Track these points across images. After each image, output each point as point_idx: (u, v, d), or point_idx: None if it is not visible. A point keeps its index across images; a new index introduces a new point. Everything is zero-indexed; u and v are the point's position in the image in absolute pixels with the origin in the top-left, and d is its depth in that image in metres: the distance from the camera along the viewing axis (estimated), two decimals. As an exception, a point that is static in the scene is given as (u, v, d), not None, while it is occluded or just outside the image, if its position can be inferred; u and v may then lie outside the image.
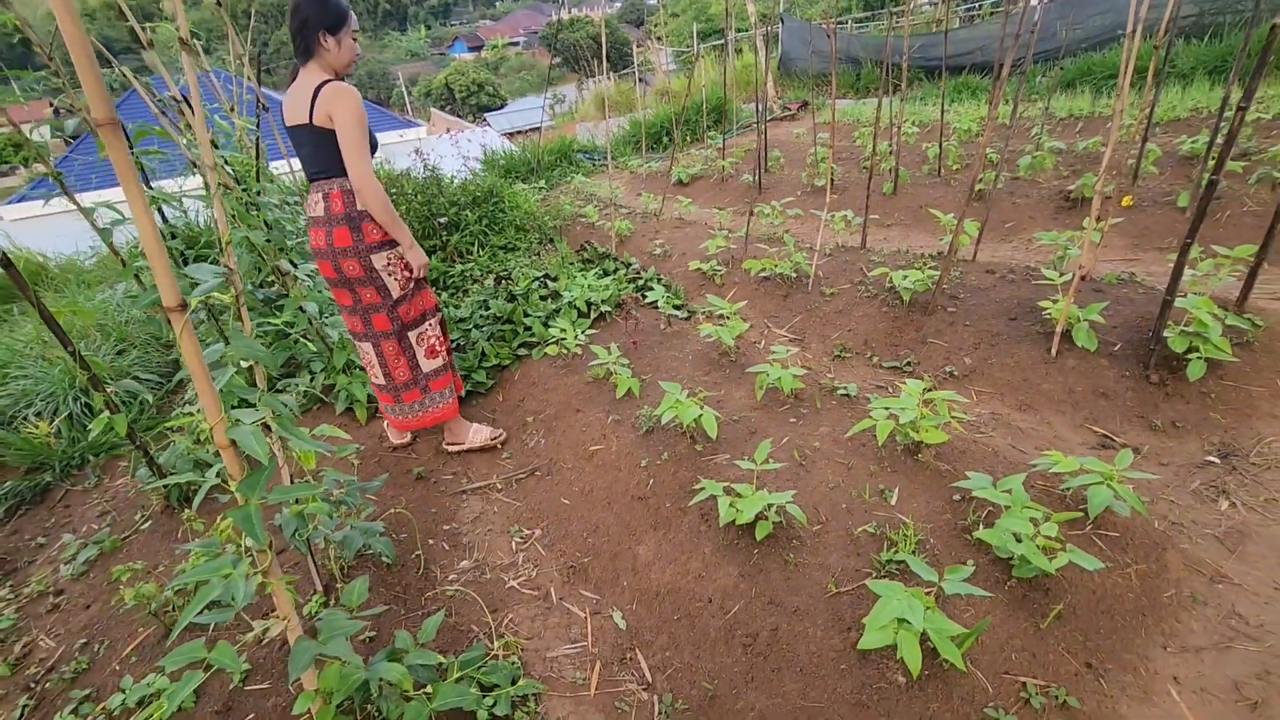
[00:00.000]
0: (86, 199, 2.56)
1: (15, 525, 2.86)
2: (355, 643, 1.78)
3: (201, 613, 1.29)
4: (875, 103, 8.67)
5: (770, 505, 1.72)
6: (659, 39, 25.84)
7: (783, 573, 1.70)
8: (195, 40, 1.65)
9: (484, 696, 1.55)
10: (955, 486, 1.76)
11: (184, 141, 2.72)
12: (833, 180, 5.51)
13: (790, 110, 10.44)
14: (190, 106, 3.03)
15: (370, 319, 2.35)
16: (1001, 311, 2.80)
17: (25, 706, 1.84)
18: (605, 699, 1.62)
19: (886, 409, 1.95)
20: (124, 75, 3.15)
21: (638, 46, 24.45)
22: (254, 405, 1.29)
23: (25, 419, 3.34)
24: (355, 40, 2.15)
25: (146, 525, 2.56)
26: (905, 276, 2.92)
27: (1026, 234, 3.96)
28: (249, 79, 3.65)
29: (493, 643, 1.77)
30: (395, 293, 2.30)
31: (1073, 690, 1.36)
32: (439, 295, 3.83)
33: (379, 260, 2.22)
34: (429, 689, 1.48)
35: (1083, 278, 2.87)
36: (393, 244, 2.23)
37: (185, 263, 3.78)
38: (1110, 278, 2.93)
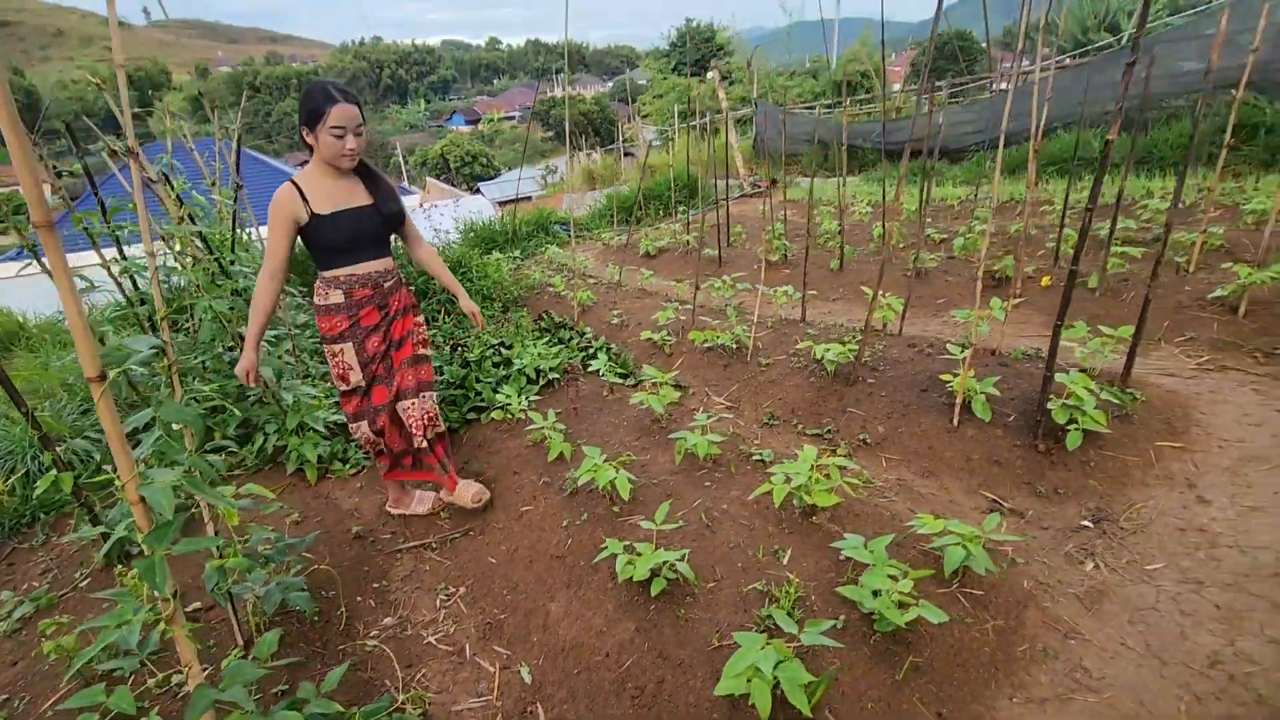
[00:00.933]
0: (75, 259, 2.75)
1: (-41, 583, 2.89)
2: (268, 695, 1.85)
3: (105, 661, 1.39)
4: (838, 182, 9.16)
5: (664, 563, 1.84)
6: (644, 117, 27.15)
7: (674, 627, 1.81)
8: (203, 106, 1.85)
9: (375, 748, 1.63)
10: (833, 547, 1.90)
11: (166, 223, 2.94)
12: (786, 256, 5.83)
13: (760, 188, 11.00)
14: (171, 184, 3.27)
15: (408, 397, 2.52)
16: (914, 384, 3.00)
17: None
18: (501, 751, 1.69)
19: (784, 474, 2.11)
20: (107, 149, 3.40)
21: (626, 123, 25.63)
22: (181, 464, 1.43)
23: (-19, 475, 3.41)
24: (339, 137, 2.09)
25: (85, 583, 2.62)
26: (828, 350, 3.12)
27: (956, 310, 4.22)
28: (231, 151, 3.88)
29: (400, 695, 1.85)
30: (428, 350, 2.54)
31: (920, 737, 1.47)
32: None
33: (326, 351, 2.37)
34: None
35: (993, 353, 3.10)
36: (333, 339, 2.32)
37: (153, 328, 3.93)
38: (1017, 353, 3.15)
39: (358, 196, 2.25)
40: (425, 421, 2.49)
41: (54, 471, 2.32)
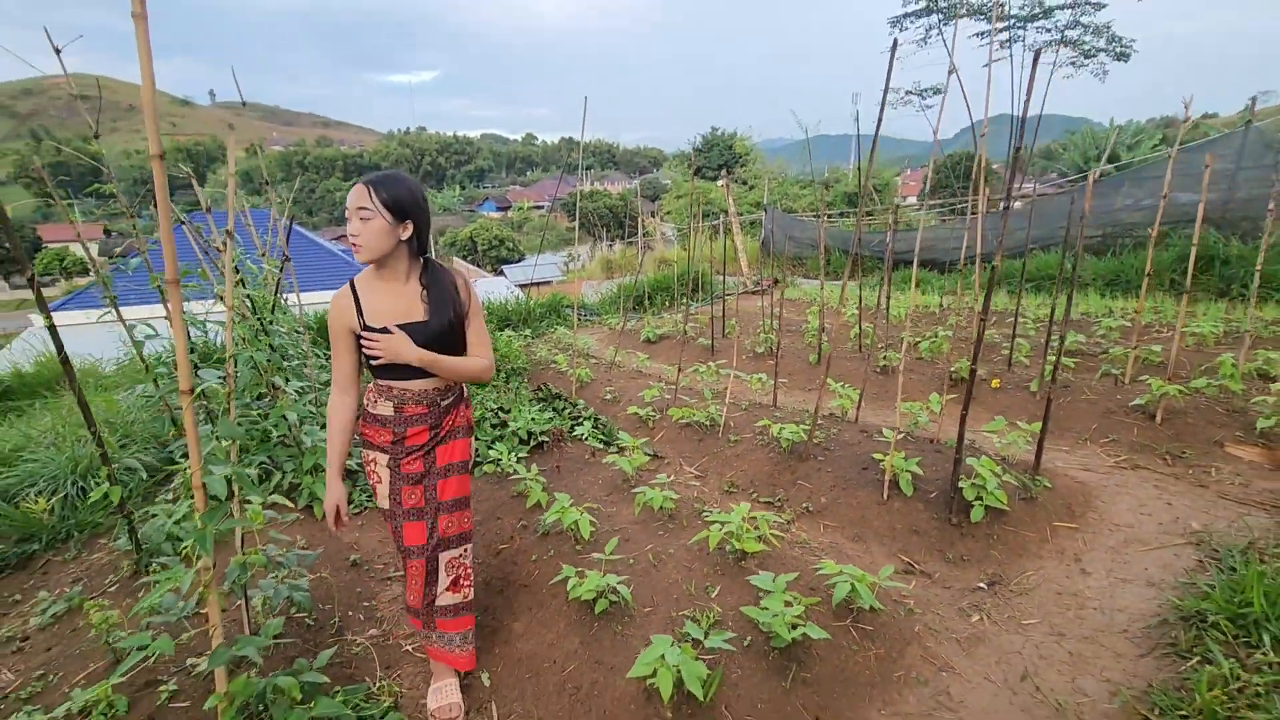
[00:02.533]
0: (125, 314, 3.29)
1: (4, 584, 3.26)
2: (267, 671, 2.18)
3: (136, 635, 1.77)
4: (836, 284, 9.79)
5: (607, 586, 2.21)
6: (666, 214, 28.69)
7: (611, 640, 2.15)
8: (253, 180, 2.38)
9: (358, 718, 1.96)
10: (749, 581, 2.25)
11: (216, 286, 3.51)
12: (772, 349, 6.32)
13: (762, 286, 11.69)
14: (224, 251, 3.87)
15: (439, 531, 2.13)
16: (857, 462, 3.39)
17: (-17, 718, 2.21)
18: (457, 738, 2.01)
19: (720, 523, 2.49)
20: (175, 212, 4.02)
21: (650, 218, 27.11)
22: (229, 465, 1.87)
23: (26, 496, 3.83)
24: (348, 220, 1.87)
25: (114, 588, 2.98)
26: (783, 429, 3.54)
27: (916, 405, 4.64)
28: (285, 219, 4.48)
29: (375, 686, 2.18)
30: (469, 488, 2.16)
31: (797, 733, 1.79)
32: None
33: (469, 442, 2.15)
34: (312, 702, 1.90)
35: (931, 440, 3.50)
36: (368, 445, 2.05)
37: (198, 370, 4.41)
38: (951, 442, 3.54)
39: (413, 309, 1.94)
40: (462, 582, 2.13)
41: (107, 484, 2.77)
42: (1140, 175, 9.09)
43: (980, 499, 2.74)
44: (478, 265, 34.22)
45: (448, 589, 2.09)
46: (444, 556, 2.09)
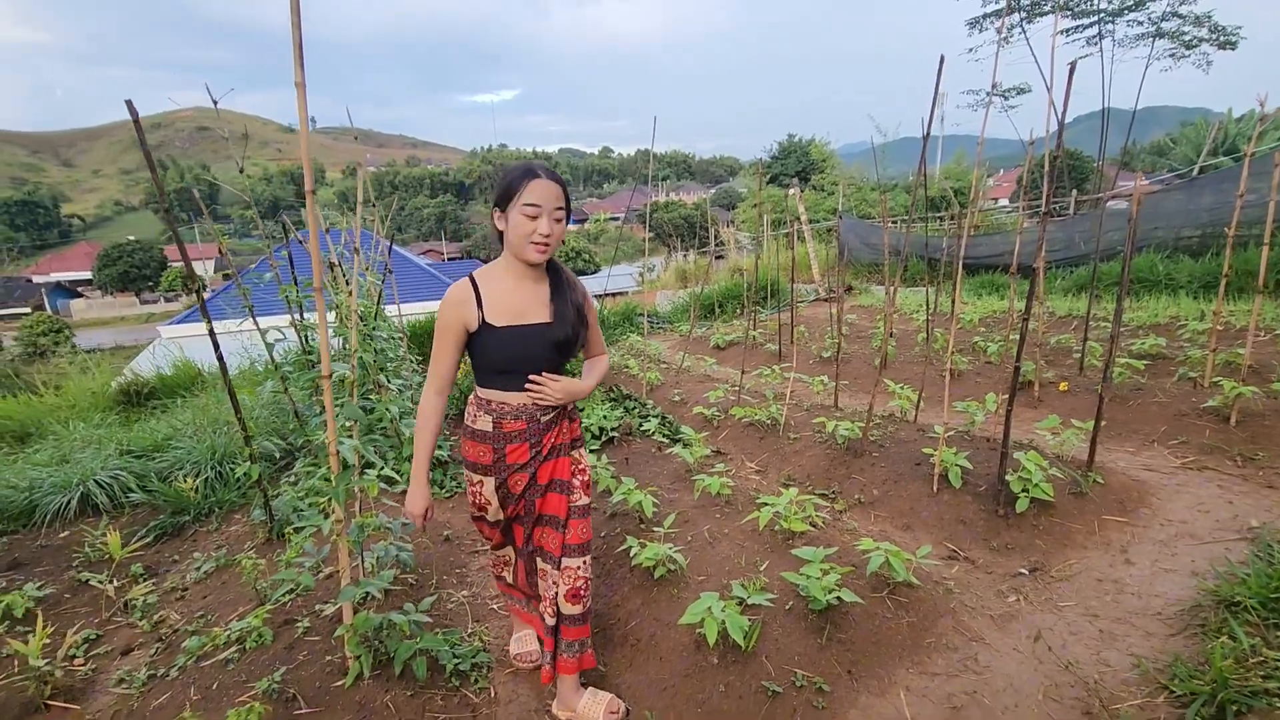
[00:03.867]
0: (229, 325, 3.88)
1: (159, 548, 3.89)
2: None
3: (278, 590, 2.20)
4: (912, 292, 9.72)
5: (665, 555, 2.50)
6: (740, 224, 28.77)
7: (669, 602, 2.44)
8: (342, 201, 2.82)
9: (453, 654, 2.33)
10: (794, 554, 2.48)
11: (337, 296, 4.05)
12: (838, 353, 6.44)
13: (835, 293, 11.68)
14: (336, 269, 4.41)
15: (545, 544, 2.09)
16: (910, 458, 3.53)
17: (158, 647, 2.73)
18: (534, 677, 2.35)
19: (769, 505, 2.73)
20: (286, 226, 4.62)
21: (725, 227, 27.29)
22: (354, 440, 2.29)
23: (176, 477, 4.49)
24: (533, 217, 1.77)
25: (253, 552, 3.52)
26: (838, 426, 3.73)
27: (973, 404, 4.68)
28: (385, 239, 5.06)
29: (467, 633, 2.55)
30: (580, 500, 2.04)
31: (829, 681, 2.02)
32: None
33: (575, 458, 2.05)
34: (418, 637, 2.28)
35: (988, 440, 3.60)
36: (473, 468, 1.98)
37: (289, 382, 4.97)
38: (1014, 443, 3.62)
39: (538, 310, 1.86)
40: (571, 594, 2.01)
41: (248, 464, 3.30)
42: (1231, 174, 8.56)
43: (1026, 491, 2.86)
44: (556, 277, 35.25)
45: (567, 598, 2.01)
46: (544, 565, 2.05)
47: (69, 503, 4.23)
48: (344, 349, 4.82)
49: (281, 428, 5.35)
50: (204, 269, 53.75)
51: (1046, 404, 4.40)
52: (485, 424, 1.92)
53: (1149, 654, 2.07)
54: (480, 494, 2.01)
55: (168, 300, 52.60)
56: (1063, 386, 4.55)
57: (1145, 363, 4.46)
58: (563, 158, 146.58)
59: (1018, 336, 5.40)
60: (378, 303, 4.95)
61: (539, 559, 2.07)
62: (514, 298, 1.85)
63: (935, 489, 3.19)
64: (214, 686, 2.29)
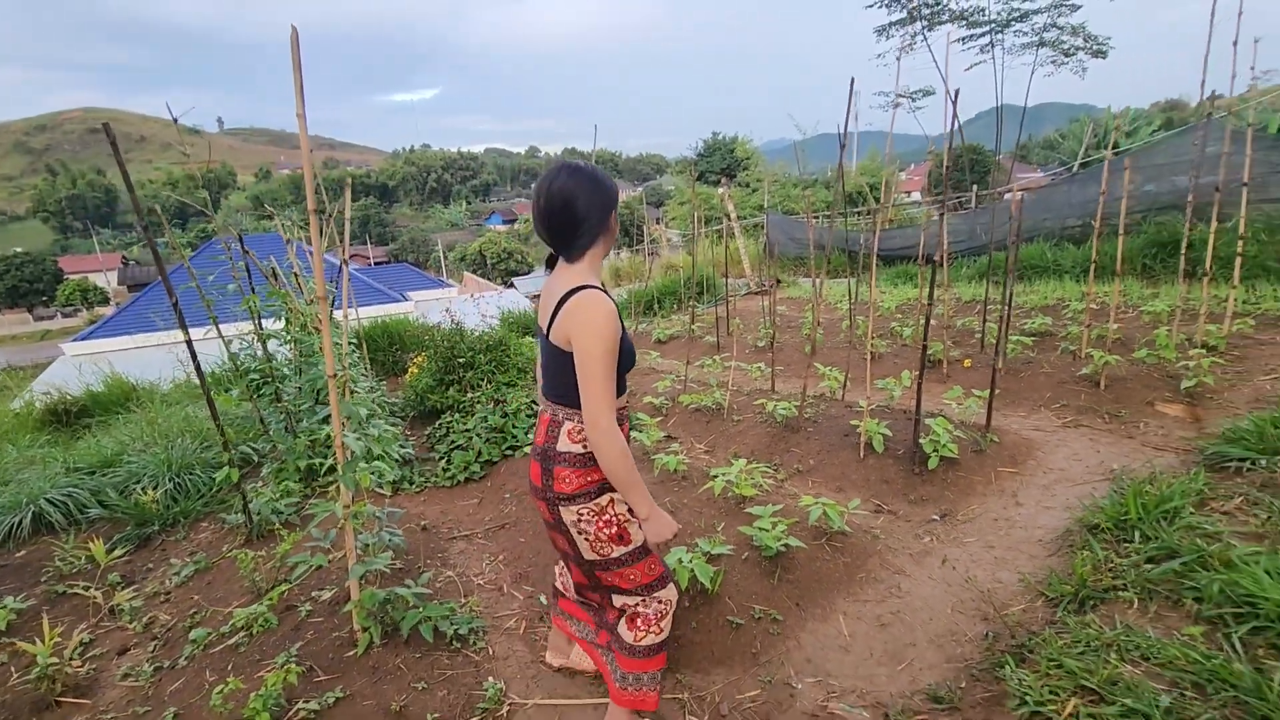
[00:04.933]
0: (155, 338, 3.96)
1: (130, 558, 3.94)
2: (376, 602, 2.83)
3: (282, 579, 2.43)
4: (835, 283, 10.41)
5: (636, 521, 2.85)
6: (669, 221, 29.38)
7: (641, 562, 2.79)
8: (266, 205, 3.03)
9: (451, 622, 2.60)
10: (748, 512, 2.88)
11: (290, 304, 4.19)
12: (772, 343, 6.96)
13: (765, 287, 12.32)
14: (278, 277, 4.55)
15: (571, 567, 2.03)
16: (840, 431, 4.01)
17: (155, 645, 2.88)
18: (527, 637, 2.65)
19: (723, 475, 3.12)
20: (240, 238, 4.68)
21: (656, 225, 27.80)
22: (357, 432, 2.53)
23: (134, 491, 4.51)
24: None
25: (231, 554, 3.65)
26: (777, 406, 4.17)
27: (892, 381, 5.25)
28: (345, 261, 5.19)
29: (459, 604, 2.83)
30: (587, 555, 1.85)
31: (781, 613, 2.42)
32: (459, 416, 5.10)
33: (567, 515, 1.79)
34: (421, 607, 2.55)
35: (905, 411, 4.11)
36: (588, 496, 1.77)
37: (259, 387, 5.03)
38: (924, 412, 4.15)
39: None
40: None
41: (227, 468, 3.45)
42: (1117, 166, 9.64)
43: (936, 452, 3.36)
44: (487, 279, 35.07)
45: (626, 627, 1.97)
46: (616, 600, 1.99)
47: (21, 522, 4.20)
48: (299, 356, 4.96)
49: (238, 437, 5.39)
50: (105, 280, 50.31)
51: (954, 378, 4.99)
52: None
53: (1032, 571, 2.57)
54: (614, 517, 1.80)
55: (65, 316, 49.02)
56: (966, 363, 5.17)
57: (1034, 339, 5.13)
58: (489, 158, 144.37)
59: (931, 321, 6.03)
60: (330, 310, 5.07)
61: None
62: None
63: (862, 455, 3.67)
64: (229, 667, 2.49)
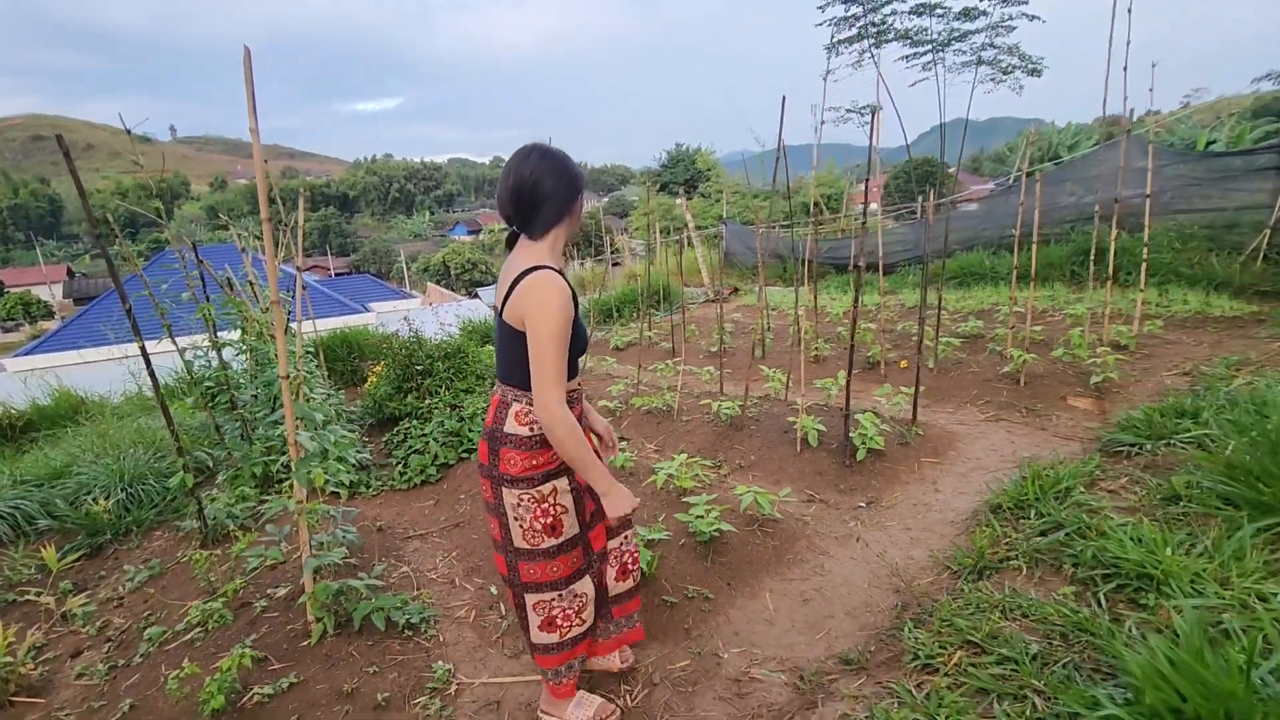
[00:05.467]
0: (101, 352, 4.01)
1: (81, 566, 3.95)
2: (331, 597, 2.94)
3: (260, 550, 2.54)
4: (790, 290, 10.74)
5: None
6: (633, 231, 29.70)
7: (585, 551, 2.95)
8: (222, 215, 3.16)
9: (403, 611, 2.73)
10: (685, 501, 3.07)
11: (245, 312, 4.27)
12: (721, 347, 7.21)
13: (723, 294, 12.63)
14: (233, 286, 4.62)
15: (496, 556, 2.00)
16: (780, 428, 4.24)
17: (109, 647, 2.94)
18: (477, 624, 2.79)
19: (665, 469, 3.31)
20: (195, 247, 4.74)
21: (620, 235, 28.08)
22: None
23: (85, 502, 4.50)
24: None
25: (186, 559, 3.70)
26: (721, 406, 4.39)
27: (830, 381, 5.53)
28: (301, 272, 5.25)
29: (412, 596, 2.95)
30: (517, 542, 1.86)
31: (714, 592, 2.62)
32: (417, 422, 5.20)
33: (509, 497, 1.81)
34: (374, 598, 2.67)
35: (840, 408, 4.36)
36: (531, 482, 1.79)
37: (214, 395, 5.04)
38: (857, 409, 4.42)
39: None
40: (629, 567, 2.13)
41: (181, 473, 3.51)
42: (1051, 178, 10.21)
43: (864, 444, 3.61)
44: (451, 289, 34.86)
45: (617, 577, 2.10)
46: (611, 544, 2.09)
47: (-35, 535, 4.17)
48: (254, 364, 5.02)
49: (194, 445, 5.39)
50: (50, 293, 48.48)
51: (890, 378, 5.28)
52: None
53: (941, 548, 2.82)
54: (552, 506, 1.83)
55: (6, 331, 47.03)
56: (903, 364, 5.47)
57: (966, 341, 5.46)
58: (453, 167, 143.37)
59: (873, 325, 6.34)
60: (286, 316, 5.14)
61: (611, 540, 2.09)
62: None
63: (799, 450, 3.90)
64: (184, 661, 2.57)
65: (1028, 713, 1.69)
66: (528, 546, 1.85)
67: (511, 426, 1.78)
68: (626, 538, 2.11)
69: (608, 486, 1.78)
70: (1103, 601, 2.06)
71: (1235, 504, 2.36)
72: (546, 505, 1.81)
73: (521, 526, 1.83)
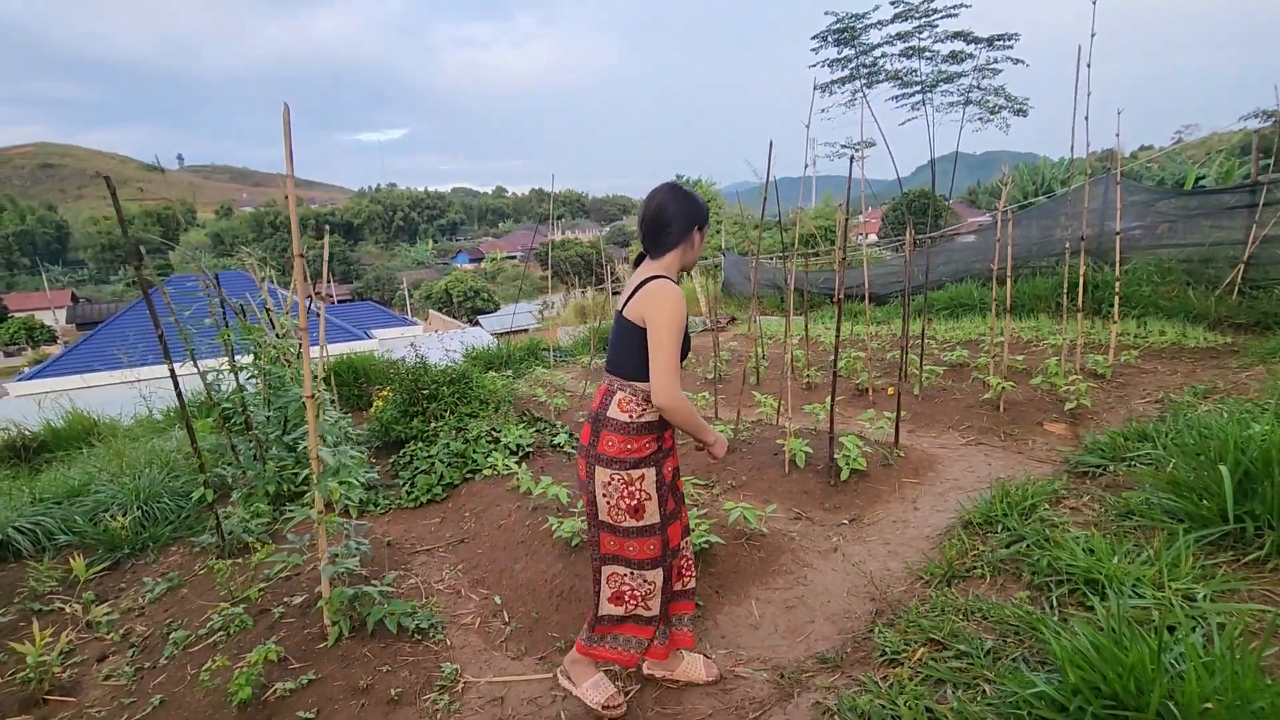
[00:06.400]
0: (103, 377, 4.24)
1: (100, 581, 4.14)
2: (344, 604, 3.13)
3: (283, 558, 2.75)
4: (786, 319, 11.01)
5: (579, 528, 3.22)
6: (633, 261, 30.09)
7: (584, 564, 3.15)
8: (227, 243, 3.40)
9: (413, 617, 2.92)
10: (678, 518, 3.27)
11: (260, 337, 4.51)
12: (719, 375, 7.45)
13: (721, 324, 12.92)
14: (246, 314, 4.87)
15: (587, 525, 2.21)
16: (770, 450, 4.46)
17: (133, 652, 3.12)
18: (483, 630, 2.98)
19: (659, 486, 3.52)
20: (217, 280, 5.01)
21: (620, 264, 28.50)
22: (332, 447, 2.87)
23: (104, 518, 4.69)
24: (704, 239, 2.15)
25: (203, 572, 3.90)
26: (716, 427, 4.60)
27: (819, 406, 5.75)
28: (314, 300, 5.52)
29: (421, 603, 3.14)
30: (602, 515, 2.10)
31: (703, 599, 2.81)
32: (423, 444, 5.41)
33: (601, 475, 2.05)
34: (386, 604, 2.86)
35: (827, 432, 4.59)
36: (623, 465, 2.02)
37: (229, 417, 5.25)
38: (839, 432, 4.64)
39: None
40: (683, 571, 2.35)
41: (202, 488, 3.73)
42: (1044, 211, 10.58)
43: (847, 465, 3.82)
44: (453, 316, 35.25)
45: (674, 577, 2.30)
46: (683, 544, 2.30)
47: (-10, 549, 4.36)
48: (268, 388, 5.25)
49: (210, 463, 5.58)
50: (55, 318, 48.86)
51: (877, 404, 5.51)
52: (654, 414, 2.05)
53: (916, 560, 3.02)
54: (639, 490, 2.05)
55: (8, 355, 47.31)
56: (890, 390, 5.70)
57: (951, 369, 5.70)
58: (456, 197, 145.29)
59: (863, 354, 6.59)
60: (304, 344, 5.40)
61: (685, 538, 2.32)
62: None
63: (787, 470, 4.11)
64: (210, 661, 2.76)
65: (977, 698, 1.89)
66: (610, 521, 2.09)
67: (614, 412, 2.04)
68: (687, 543, 2.32)
69: (714, 436, 2.14)
70: (1054, 604, 2.27)
71: (1178, 517, 2.58)
72: (633, 489, 2.04)
73: (609, 503, 2.07)
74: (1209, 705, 1.44)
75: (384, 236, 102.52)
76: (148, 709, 2.55)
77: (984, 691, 1.91)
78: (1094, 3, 4.84)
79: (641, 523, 2.07)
